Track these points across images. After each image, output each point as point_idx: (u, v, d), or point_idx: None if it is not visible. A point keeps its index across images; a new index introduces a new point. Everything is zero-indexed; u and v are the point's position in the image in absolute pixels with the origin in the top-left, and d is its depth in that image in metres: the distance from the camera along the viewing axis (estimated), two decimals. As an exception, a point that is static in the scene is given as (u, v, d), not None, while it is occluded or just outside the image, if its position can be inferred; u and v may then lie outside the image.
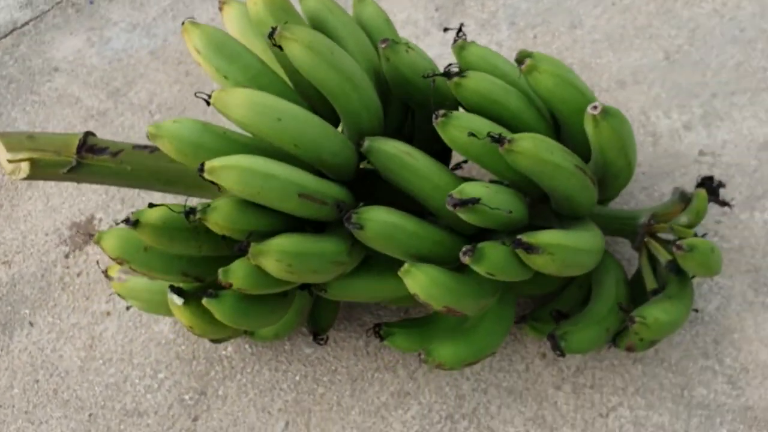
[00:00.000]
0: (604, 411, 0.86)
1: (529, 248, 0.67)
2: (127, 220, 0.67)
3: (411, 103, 0.77)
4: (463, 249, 0.67)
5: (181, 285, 0.75)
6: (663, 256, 0.78)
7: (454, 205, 0.66)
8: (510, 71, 0.76)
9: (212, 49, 0.70)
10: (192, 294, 0.74)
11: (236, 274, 0.68)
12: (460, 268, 0.73)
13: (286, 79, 0.74)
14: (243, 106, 0.65)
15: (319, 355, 0.93)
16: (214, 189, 0.77)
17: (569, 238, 0.68)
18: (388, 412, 0.88)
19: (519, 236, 0.67)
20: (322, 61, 0.67)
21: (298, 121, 0.66)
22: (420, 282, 0.69)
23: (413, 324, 0.83)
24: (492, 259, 0.67)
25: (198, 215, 0.65)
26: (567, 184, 0.70)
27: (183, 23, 0.71)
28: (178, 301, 0.74)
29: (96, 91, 1.14)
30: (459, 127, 0.69)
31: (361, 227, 0.68)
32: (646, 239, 0.81)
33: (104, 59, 1.17)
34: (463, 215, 0.67)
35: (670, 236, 0.83)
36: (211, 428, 0.89)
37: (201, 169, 0.65)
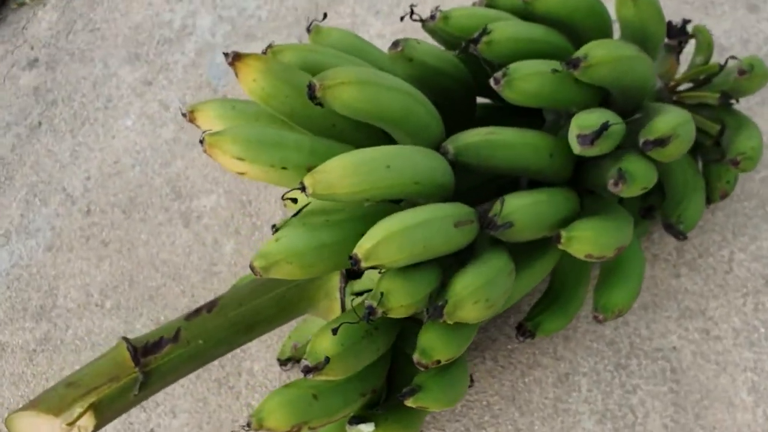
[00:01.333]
0: (726, 267, 0.86)
1: (661, 142, 0.64)
2: (308, 370, 0.54)
3: (436, 96, 0.70)
4: (611, 181, 0.63)
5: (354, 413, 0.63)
6: (711, 98, 0.79)
7: (592, 141, 0.61)
8: (502, 14, 0.72)
9: (256, 146, 0.58)
10: (375, 412, 0.62)
11: (436, 347, 0.58)
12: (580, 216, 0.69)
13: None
14: (348, 174, 0.55)
15: (462, 403, 0.83)
16: (290, 310, 0.67)
17: (676, 116, 0.66)
18: (565, 403, 0.81)
19: (642, 138, 0.64)
20: (380, 89, 0.59)
21: (404, 158, 0.58)
22: (587, 240, 0.63)
23: (546, 305, 0.77)
24: (640, 173, 0.64)
25: (379, 310, 0.54)
26: (639, 71, 0.68)
27: (201, 141, 0.58)
28: (367, 428, 0.62)
29: (18, 324, 0.93)
30: (525, 77, 0.64)
31: (511, 224, 0.61)
32: (675, 98, 0.82)
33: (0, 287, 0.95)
34: (597, 148, 0.62)
35: (688, 86, 0.84)
36: None
37: (355, 263, 0.54)
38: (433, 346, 0.58)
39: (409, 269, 0.57)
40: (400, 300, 0.55)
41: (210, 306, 0.66)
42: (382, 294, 0.55)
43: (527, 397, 0.83)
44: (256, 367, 0.87)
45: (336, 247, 0.57)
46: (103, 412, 0.62)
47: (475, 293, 0.57)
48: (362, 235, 0.59)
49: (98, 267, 0.95)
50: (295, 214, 0.75)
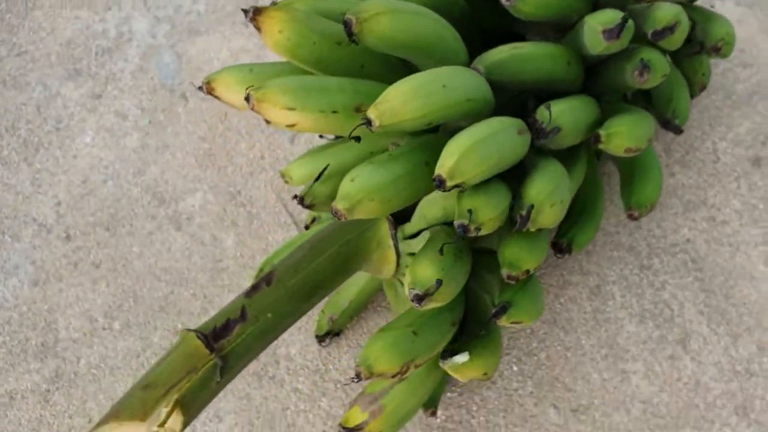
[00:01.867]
0: (713, 157, 0.91)
1: (671, 29, 0.67)
2: (419, 298, 0.53)
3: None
4: (636, 72, 0.65)
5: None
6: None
7: (618, 34, 0.63)
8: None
9: (304, 94, 0.56)
10: (467, 341, 0.62)
11: (521, 258, 0.59)
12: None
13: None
14: (410, 99, 0.54)
15: (507, 336, 0.83)
16: (346, 268, 0.66)
17: (671, 6, 0.69)
18: (603, 313, 0.84)
19: (651, 30, 0.67)
20: (413, 16, 0.59)
21: (455, 78, 0.57)
22: (624, 134, 0.65)
23: (573, 220, 0.78)
24: (659, 62, 0.66)
25: (472, 226, 0.54)
26: (629, -30, 0.71)
27: (246, 98, 0.56)
28: (462, 358, 0.61)
29: (21, 368, 0.85)
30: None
31: (560, 129, 0.62)
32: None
33: (-12, 336, 0.88)
34: (620, 41, 0.64)
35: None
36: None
37: (440, 184, 0.53)
38: (518, 257, 0.59)
39: (485, 185, 0.57)
40: (488, 213, 0.55)
41: (267, 279, 0.63)
42: (470, 211, 0.54)
43: (567, 315, 0.84)
44: (293, 350, 0.84)
45: (408, 177, 0.56)
46: (189, 407, 0.58)
47: (550, 196, 0.58)
48: (427, 163, 0.58)
49: (95, 290, 0.89)
50: (316, 179, 0.73)
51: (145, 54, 1.04)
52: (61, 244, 0.92)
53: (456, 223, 0.54)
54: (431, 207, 0.64)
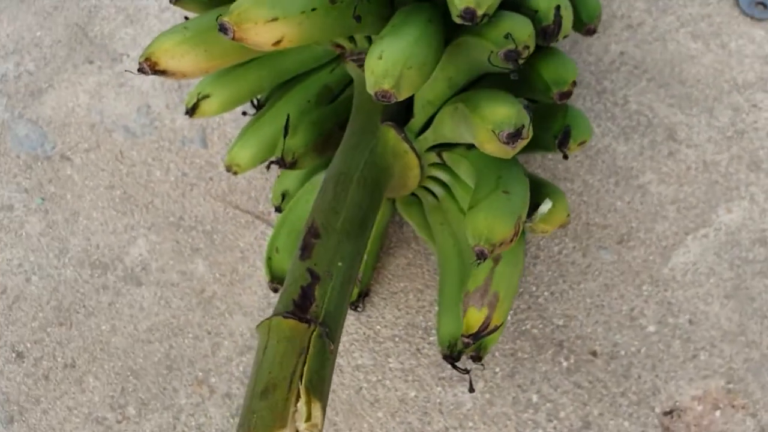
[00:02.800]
0: None
1: None
2: (515, 135, 0.48)
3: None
4: None
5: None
6: None
7: None
8: None
9: (278, 1, 0.49)
10: (537, 195, 0.58)
11: (561, 73, 0.57)
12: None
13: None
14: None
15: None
16: (378, 189, 0.61)
17: None
18: (591, 149, 0.83)
19: None
20: None
21: None
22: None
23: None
24: None
25: (519, 47, 0.49)
26: None
27: (224, 29, 0.48)
28: (547, 206, 0.57)
29: None
30: None
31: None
32: None
33: None
34: None
35: None
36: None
37: (471, 16, 0.49)
38: (560, 72, 0.56)
39: (501, 14, 0.53)
40: (524, 30, 0.51)
41: (313, 233, 0.55)
42: (508, 35, 0.50)
43: (562, 167, 0.82)
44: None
45: (423, 39, 0.51)
46: (320, 388, 0.49)
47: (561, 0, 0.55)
48: (430, 20, 0.53)
49: (84, 390, 0.75)
50: (285, 134, 0.67)
51: (-5, 137, 0.90)
52: (16, 366, 0.77)
53: (502, 52, 0.50)
54: (433, 87, 0.59)
